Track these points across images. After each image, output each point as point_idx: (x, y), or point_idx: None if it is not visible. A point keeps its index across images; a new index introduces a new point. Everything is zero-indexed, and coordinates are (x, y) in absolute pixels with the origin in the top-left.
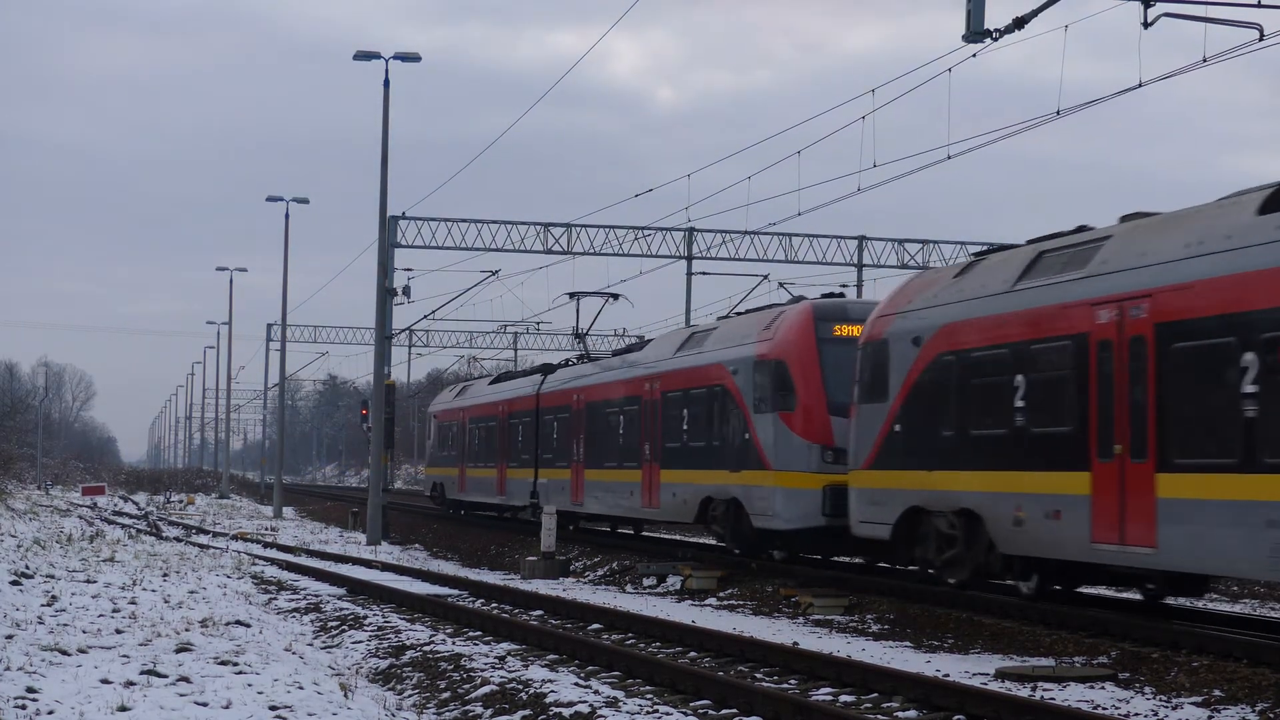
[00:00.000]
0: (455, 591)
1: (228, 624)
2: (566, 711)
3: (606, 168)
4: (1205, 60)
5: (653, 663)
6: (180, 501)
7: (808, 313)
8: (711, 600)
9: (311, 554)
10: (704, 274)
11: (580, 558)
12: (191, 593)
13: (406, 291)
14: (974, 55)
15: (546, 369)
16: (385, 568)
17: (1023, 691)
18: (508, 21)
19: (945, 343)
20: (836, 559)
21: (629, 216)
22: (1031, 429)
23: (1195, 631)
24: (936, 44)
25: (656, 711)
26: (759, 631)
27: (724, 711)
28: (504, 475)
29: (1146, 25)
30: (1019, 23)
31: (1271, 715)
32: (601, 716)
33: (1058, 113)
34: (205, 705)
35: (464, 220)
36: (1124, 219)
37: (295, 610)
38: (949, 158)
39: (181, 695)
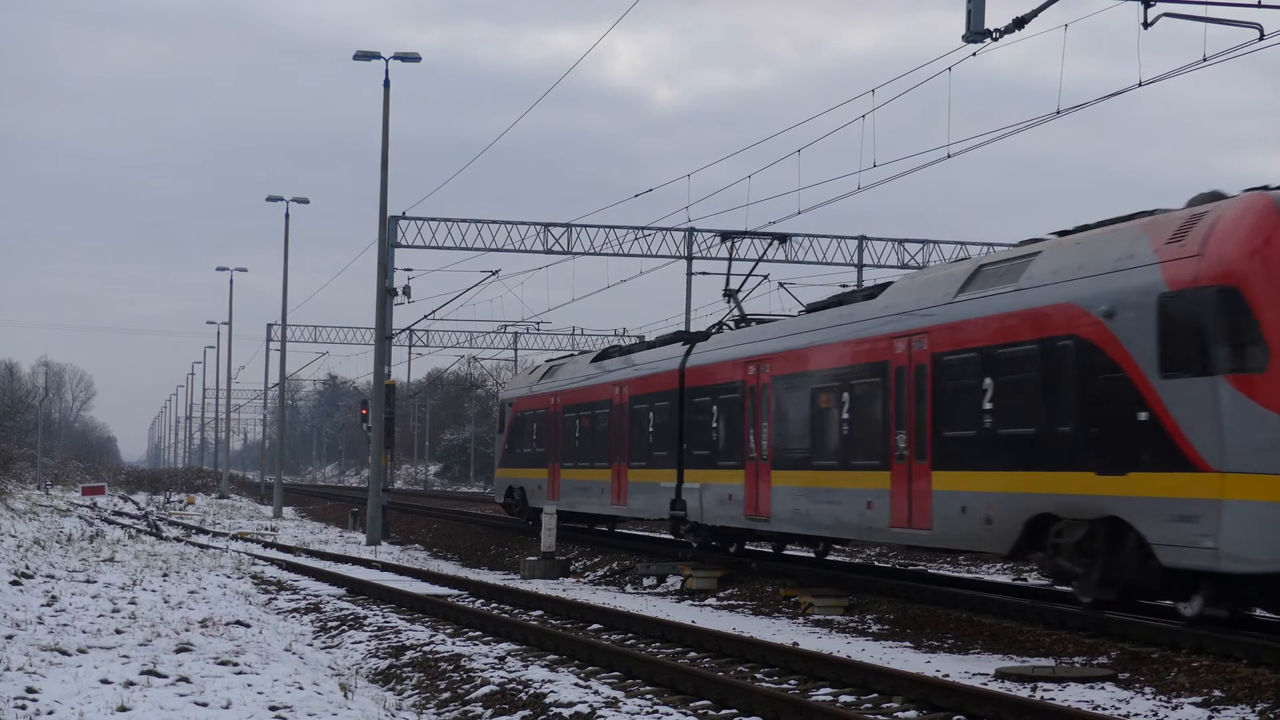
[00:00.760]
0: (455, 591)
1: (228, 624)
2: (566, 711)
3: (606, 168)
4: (1205, 60)
5: (653, 663)
6: (180, 501)
7: (1269, 208)
8: (711, 600)
9: (311, 554)
10: (704, 274)
11: (580, 558)
12: (191, 593)
13: (406, 291)
14: (974, 55)
15: (691, 338)
16: (385, 568)
17: (1023, 691)
18: (507, 21)
19: None
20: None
21: (629, 216)
22: None
23: (1195, 631)
24: (936, 44)
25: (656, 712)
26: (759, 631)
27: (724, 712)
28: (623, 479)
29: (1146, 25)
30: (1019, 23)
31: (1271, 715)
32: (601, 716)
33: (1057, 113)
34: (205, 705)
35: (464, 220)
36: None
37: (295, 610)
38: (949, 157)
39: (181, 695)
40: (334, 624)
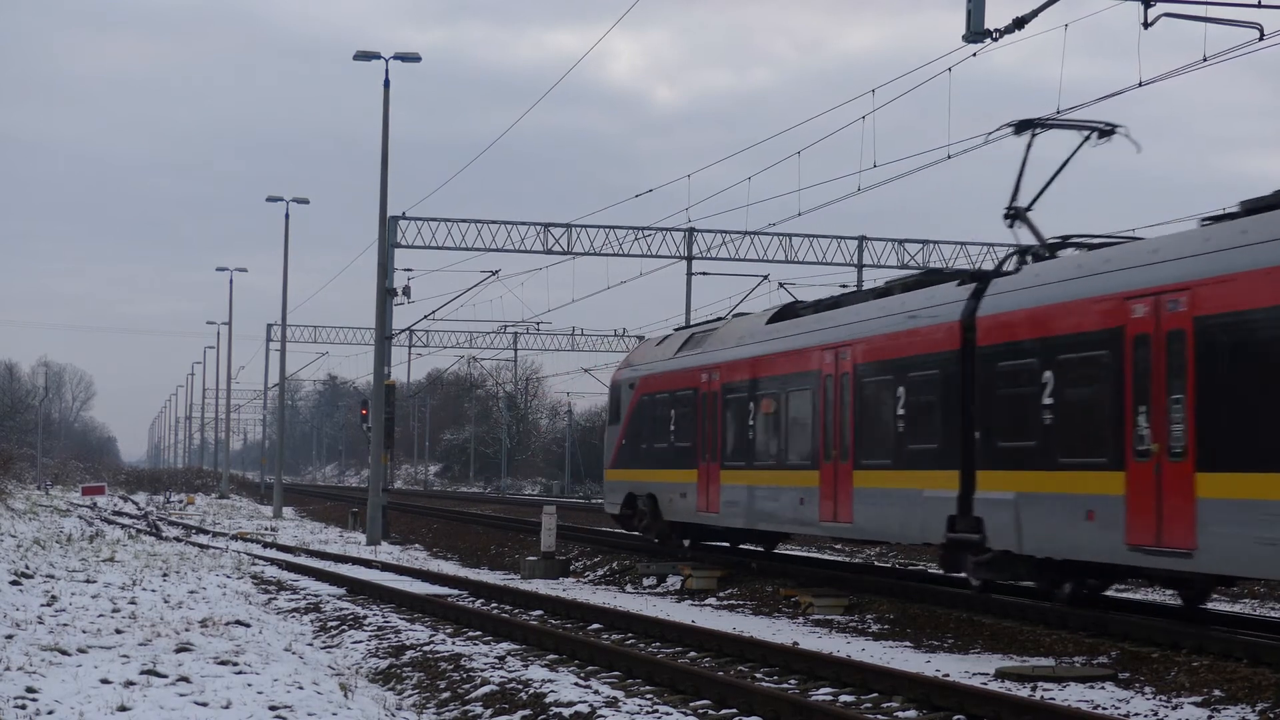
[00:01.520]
0: (455, 591)
1: (228, 624)
2: (566, 711)
3: (606, 168)
4: (1205, 60)
5: (653, 663)
6: (180, 501)
7: None
8: (711, 600)
9: (311, 554)
10: (704, 274)
11: (580, 558)
12: (191, 593)
13: (406, 291)
14: (974, 55)
15: (973, 276)
16: (385, 568)
17: (1023, 691)
18: (507, 21)
19: None
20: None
21: (629, 217)
22: None
23: (1195, 631)
24: (936, 44)
25: (656, 711)
26: (759, 631)
27: (724, 711)
28: (843, 484)
29: (1146, 25)
30: (1019, 23)
31: (1271, 715)
32: (601, 716)
33: (1057, 112)
34: (205, 705)
35: (464, 220)
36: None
37: (295, 610)
38: (949, 157)
39: (181, 695)
40: (334, 624)
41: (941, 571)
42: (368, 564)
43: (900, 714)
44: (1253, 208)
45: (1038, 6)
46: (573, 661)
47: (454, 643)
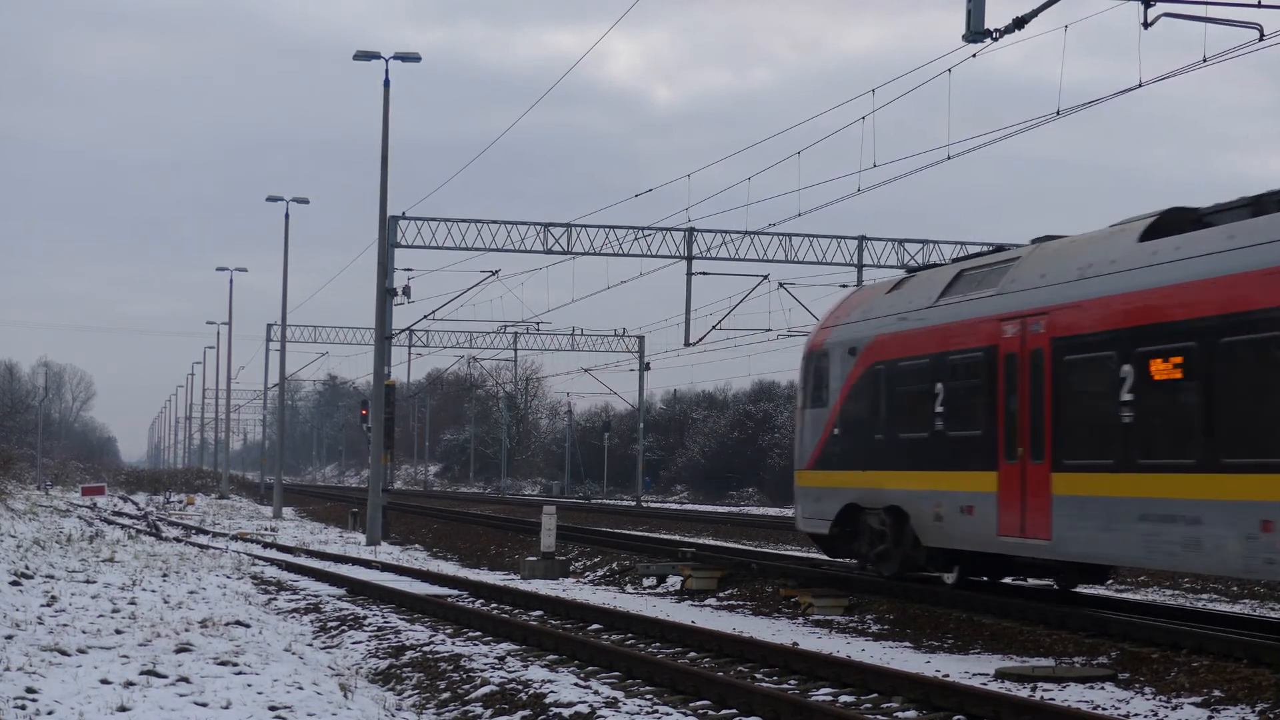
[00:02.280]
0: (455, 592)
1: (227, 624)
2: (566, 711)
3: (606, 168)
4: (1205, 60)
5: (652, 663)
6: (180, 502)
7: None
8: (711, 600)
9: (311, 554)
10: (704, 274)
11: (580, 558)
12: (191, 593)
13: (406, 291)
14: (974, 55)
15: None
16: (385, 568)
17: (1023, 691)
18: (505, 21)
19: None
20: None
21: (629, 216)
22: None
23: (1195, 631)
24: (936, 44)
25: (656, 712)
26: (759, 632)
27: (724, 712)
28: None
29: (1146, 25)
30: (1019, 23)
31: (1271, 715)
32: (601, 716)
33: (1058, 113)
34: (205, 705)
35: (464, 220)
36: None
37: (295, 610)
38: (949, 158)
39: (181, 695)
40: (334, 624)
41: None
42: (368, 564)
43: (900, 714)
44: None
45: (1038, 6)
46: (573, 662)
47: (454, 643)
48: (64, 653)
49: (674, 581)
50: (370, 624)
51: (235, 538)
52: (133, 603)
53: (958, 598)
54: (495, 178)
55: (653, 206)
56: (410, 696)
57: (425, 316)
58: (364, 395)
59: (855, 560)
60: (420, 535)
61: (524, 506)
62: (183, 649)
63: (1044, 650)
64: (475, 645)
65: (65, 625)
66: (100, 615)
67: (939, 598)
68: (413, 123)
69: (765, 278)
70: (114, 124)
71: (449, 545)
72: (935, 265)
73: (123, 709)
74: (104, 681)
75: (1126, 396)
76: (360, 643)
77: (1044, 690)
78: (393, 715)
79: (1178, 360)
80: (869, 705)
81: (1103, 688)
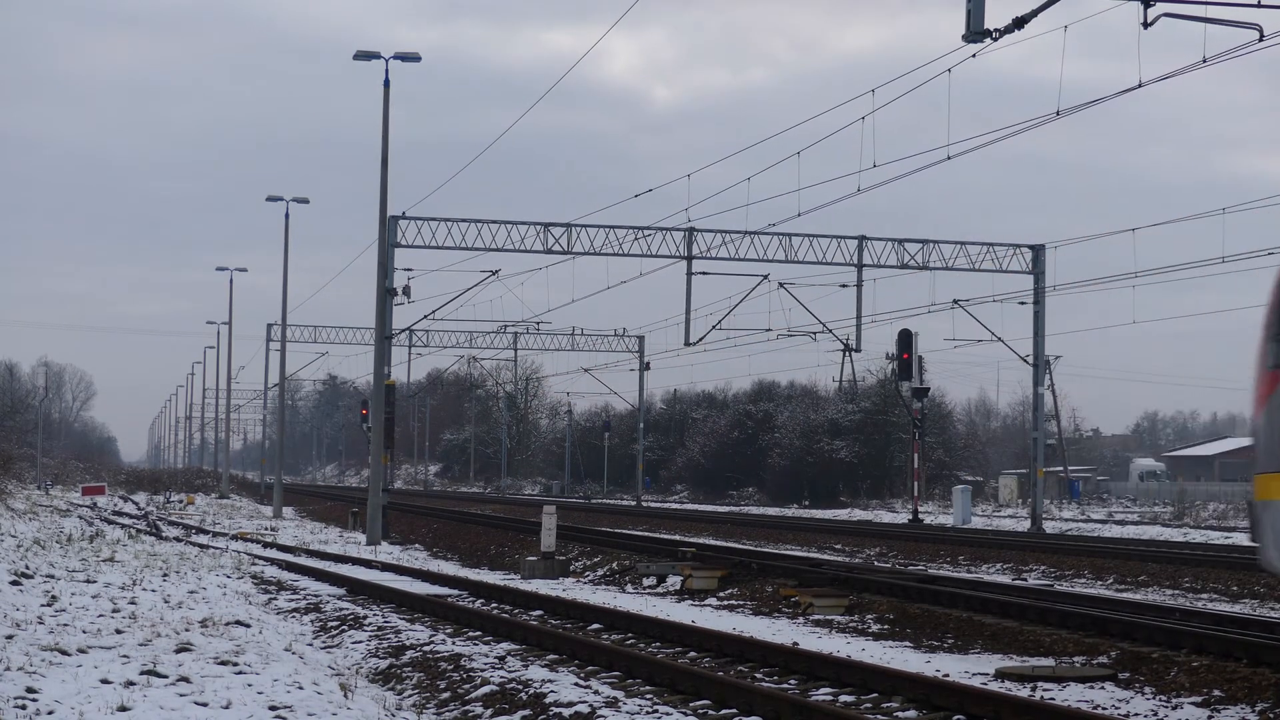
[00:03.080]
0: (455, 591)
1: (228, 624)
2: (566, 711)
3: (606, 168)
4: (1205, 60)
5: (653, 663)
6: (180, 501)
7: None
8: (711, 600)
9: (311, 554)
10: (704, 274)
11: (580, 558)
12: (191, 593)
13: (406, 291)
14: (974, 55)
15: None
16: (385, 568)
17: (1023, 691)
18: (503, 21)
19: None
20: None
21: (629, 216)
22: None
23: (1195, 631)
24: (936, 44)
25: (656, 711)
26: (759, 631)
27: (724, 711)
28: None
29: (1146, 25)
30: (1019, 23)
31: (1271, 715)
32: (601, 716)
33: (1057, 113)
34: (205, 705)
35: (464, 220)
36: None
37: (295, 610)
38: (949, 158)
39: (181, 695)
40: (334, 624)
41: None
42: (368, 564)
43: (900, 714)
44: None
45: (1038, 6)
46: (573, 662)
47: (454, 643)
48: (64, 652)
49: (674, 581)
50: (370, 624)
51: (235, 537)
52: (133, 602)
53: (958, 597)
54: (495, 178)
55: (653, 206)
56: (410, 696)
57: (425, 316)
58: (364, 395)
59: None
60: (420, 535)
61: (524, 506)
62: (183, 649)
63: (1044, 650)
64: (475, 645)
65: (65, 625)
66: (100, 615)
67: (939, 598)
68: (413, 123)
69: (765, 278)
70: (114, 124)
71: (449, 545)
72: None
73: (123, 709)
74: (104, 681)
75: None
76: (360, 642)
77: (1044, 690)
78: (393, 715)
79: None
80: (869, 705)
81: (1103, 687)
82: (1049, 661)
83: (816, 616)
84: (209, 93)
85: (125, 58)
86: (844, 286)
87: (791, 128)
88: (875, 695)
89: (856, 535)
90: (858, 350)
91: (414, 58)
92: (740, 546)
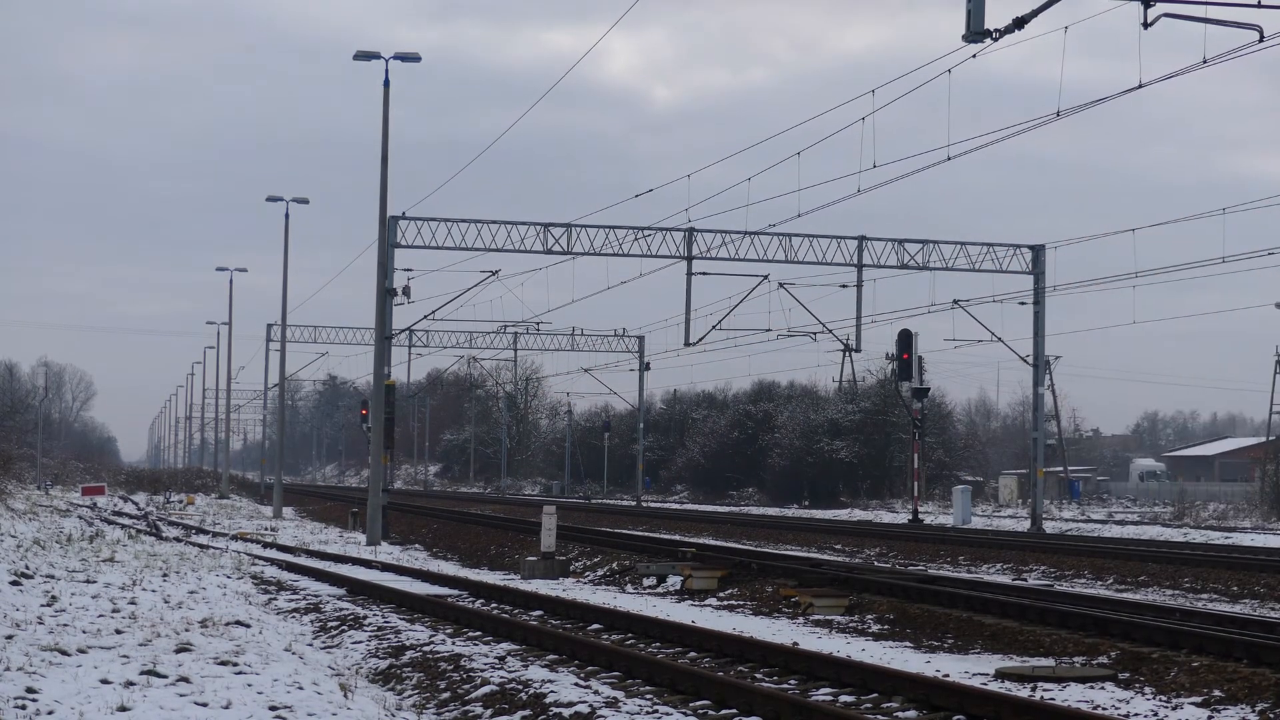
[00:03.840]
0: (455, 592)
1: (227, 624)
2: (566, 711)
3: (606, 168)
4: (1205, 61)
5: (653, 663)
6: (180, 502)
7: None
8: (711, 600)
9: (311, 554)
10: (704, 274)
11: (580, 558)
12: (191, 593)
13: (406, 292)
14: (974, 56)
15: None
16: (385, 568)
17: (1023, 691)
18: (502, 20)
19: None
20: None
21: (629, 216)
22: None
23: (1195, 631)
24: (936, 44)
25: (656, 711)
26: (759, 631)
27: (724, 712)
28: None
29: (1146, 25)
30: (1019, 23)
31: (1271, 715)
32: (601, 716)
33: (1058, 113)
34: (205, 705)
35: (464, 220)
36: None
37: (295, 610)
38: (949, 158)
39: (181, 695)
40: (334, 624)
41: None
42: (368, 564)
43: (900, 714)
44: None
45: (1038, 6)
46: (573, 662)
47: (454, 643)
48: (64, 652)
49: (674, 581)
50: (370, 624)
51: (235, 537)
52: (133, 603)
53: (958, 598)
54: (495, 178)
55: (653, 206)
56: (410, 696)
57: (425, 316)
58: (364, 395)
59: None
60: (420, 535)
61: (524, 506)
62: (183, 649)
63: (1044, 650)
64: (475, 645)
65: (65, 625)
66: (100, 615)
67: (939, 598)
68: (413, 123)
69: (765, 278)
70: (114, 124)
71: (449, 545)
72: None
73: (123, 709)
74: (104, 681)
75: None
76: (360, 643)
77: (1044, 690)
78: (393, 715)
79: None
80: (869, 705)
81: (1103, 688)
82: (1049, 662)
83: (816, 616)
84: (209, 93)
85: (125, 58)
86: (844, 287)
87: (791, 128)
88: (875, 695)
89: (856, 535)
90: (858, 350)
91: (414, 58)
92: (740, 547)
